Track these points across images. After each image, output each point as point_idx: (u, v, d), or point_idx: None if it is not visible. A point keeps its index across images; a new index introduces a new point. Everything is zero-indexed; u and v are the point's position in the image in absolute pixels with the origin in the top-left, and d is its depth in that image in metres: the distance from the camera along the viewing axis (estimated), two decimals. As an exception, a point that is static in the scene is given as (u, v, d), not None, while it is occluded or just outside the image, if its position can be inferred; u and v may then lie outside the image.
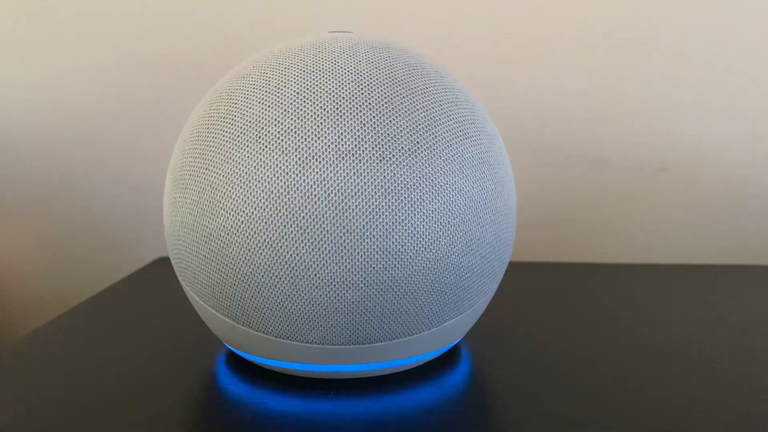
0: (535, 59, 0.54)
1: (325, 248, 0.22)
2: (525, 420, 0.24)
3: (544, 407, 0.24)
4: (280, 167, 0.22)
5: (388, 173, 0.22)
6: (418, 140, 0.23)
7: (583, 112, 0.55)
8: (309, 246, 0.22)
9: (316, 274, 0.22)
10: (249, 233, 0.23)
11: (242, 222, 0.23)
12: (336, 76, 0.24)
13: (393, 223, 0.22)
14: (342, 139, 0.22)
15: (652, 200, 0.56)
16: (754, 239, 0.57)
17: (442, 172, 0.23)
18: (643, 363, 0.29)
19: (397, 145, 0.23)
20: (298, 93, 0.23)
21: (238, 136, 0.23)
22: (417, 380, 0.27)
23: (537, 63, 0.54)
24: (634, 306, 0.38)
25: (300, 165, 0.22)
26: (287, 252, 0.22)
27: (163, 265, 0.46)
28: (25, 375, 0.27)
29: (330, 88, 0.23)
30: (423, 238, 0.23)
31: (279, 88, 0.24)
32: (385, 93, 0.24)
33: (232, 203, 0.23)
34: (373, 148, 0.22)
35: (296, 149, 0.22)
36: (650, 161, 0.56)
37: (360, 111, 0.23)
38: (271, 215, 0.22)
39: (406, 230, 0.23)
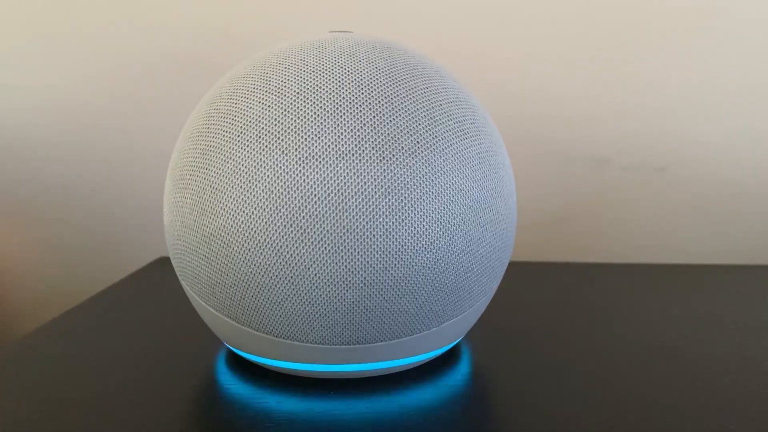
0: (535, 59, 0.54)
1: (325, 248, 0.22)
2: (525, 420, 0.24)
3: (543, 407, 0.24)
4: (280, 167, 0.22)
5: (388, 173, 0.22)
6: (418, 140, 0.23)
7: (583, 112, 0.55)
8: (309, 246, 0.22)
9: (316, 274, 0.22)
10: (249, 233, 0.23)
11: (242, 222, 0.23)
12: (336, 75, 0.24)
13: (393, 223, 0.22)
14: (342, 138, 0.22)
15: (652, 200, 0.56)
16: (754, 239, 0.57)
17: (442, 172, 0.23)
18: (642, 363, 0.29)
19: (397, 144, 0.23)
20: (298, 93, 0.23)
21: (238, 135, 0.23)
22: (417, 380, 0.27)
23: (537, 63, 0.54)
24: (634, 306, 0.38)
25: (300, 165, 0.22)
26: (287, 252, 0.22)
27: (163, 265, 0.46)
28: (25, 375, 0.27)
29: (330, 88, 0.23)
30: (423, 238, 0.23)
31: (279, 87, 0.24)
32: (385, 93, 0.24)
33: (232, 203, 0.23)
34: (373, 147, 0.22)
35: (296, 149, 0.22)
36: (650, 161, 0.56)
37: (360, 111, 0.23)
38: (271, 215, 0.22)
39: (406, 230, 0.23)
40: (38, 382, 0.27)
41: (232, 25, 0.54)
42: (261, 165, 0.23)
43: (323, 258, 0.22)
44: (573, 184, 0.56)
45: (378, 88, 0.24)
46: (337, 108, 0.23)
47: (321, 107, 0.23)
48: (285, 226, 0.22)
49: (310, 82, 0.24)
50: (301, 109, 0.23)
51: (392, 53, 0.26)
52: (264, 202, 0.22)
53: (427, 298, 0.24)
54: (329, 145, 0.22)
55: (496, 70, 0.54)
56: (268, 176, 0.22)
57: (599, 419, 0.24)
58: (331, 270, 0.22)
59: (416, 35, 0.53)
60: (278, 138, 0.23)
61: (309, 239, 0.22)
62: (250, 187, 0.23)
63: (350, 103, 0.23)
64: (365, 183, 0.22)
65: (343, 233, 0.22)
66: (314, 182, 0.22)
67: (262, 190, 0.22)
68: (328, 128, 0.23)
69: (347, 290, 0.23)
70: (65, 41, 0.55)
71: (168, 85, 0.55)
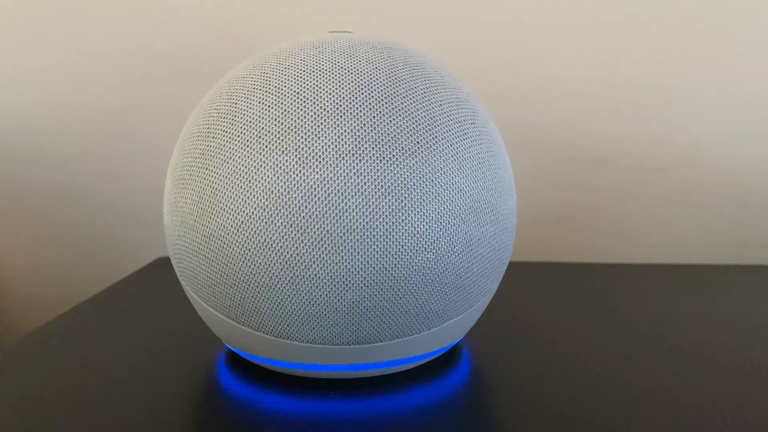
0: (535, 59, 0.54)
1: (325, 248, 0.22)
2: (525, 420, 0.24)
3: (544, 407, 0.24)
4: (280, 167, 0.22)
5: (388, 173, 0.22)
6: (418, 140, 0.23)
7: (583, 112, 0.55)
8: (309, 246, 0.22)
9: (316, 274, 0.22)
10: (249, 233, 0.23)
11: (242, 222, 0.23)
12: (336, 76, 0.24)
13: (393, 222, 0.22)
14: (342, 138, 0.22)
15: (652, 200, 0.56)
16: (755, 239, 0.57)
17: (442, 172, 0.23)
18: (642, 363, 0.29)
19: (397, 145, 0.23)
20: (298, 93, 0.23)
21: (238, 135, 0.23)
22: (417, 380, 0.27)
23: (537, 63, 0.54)
24: (634, 306, 0.38)
25: (300, 165, 0.22)
26: (287, 252, 0.22)
27: (163, 265, 0.46)
28: (25, 375, 0.27)
29: (330, 88, 0.23)
30: (423, 238, 0.23)
31: (279, 88, 0.24)
32: (385, 93, 0.24)
33: (232, 203, 0.23)
34: (373, 148, 0.22)
35: (296, 149, 0.22)
36: (650, 161, 0.56)
37: (360, 111, 0.23)
38: (271, 215, 0.22)
39: (406, 230, 0.23)
40: (38, 382, 0.27)
41: (232, 25, 0.54)
42: (261, 165, 0.23)
43: (323, 258, 0.22)
44: (573, 184, 0.56)
45: (378, 88, 0.24)
46: (337, 108, 0.23)
47: (321, 107, 0.23)
48: (285, 226, 0.22)
49: (310, 82, 0.24)
50: (301, 109, 0.23)
51: (392, 53, 0.26)
52: (264, 202, 0.22)
53: (427, 298, 0.24)
54: (329, 145, 0.22)
55: (496, 71, 0.54)
56: (268, 176, 0.22)
57: (599, 419, 0.24)
58: (331, 270, 0.22)
59: (416, 35, 0.53)
60: (278, 138, 0.23)
61: (309, 239, 0.22)
62: (250, 188, 0.23)
63: (350, 103, 0.23)
64: (365, 183, 0.22)
65: (343, 233, 0.22)
66: (314, 182, 0.22)
67: (262, 190, 0.22)
68: (328, 128, 0.23)
69: (347, 290, 0.23)
70: (65, 41, 0.55)
71: (168, 85, 0.55)
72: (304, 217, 0.22)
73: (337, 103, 0.23)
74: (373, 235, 0.22)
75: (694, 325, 0.35)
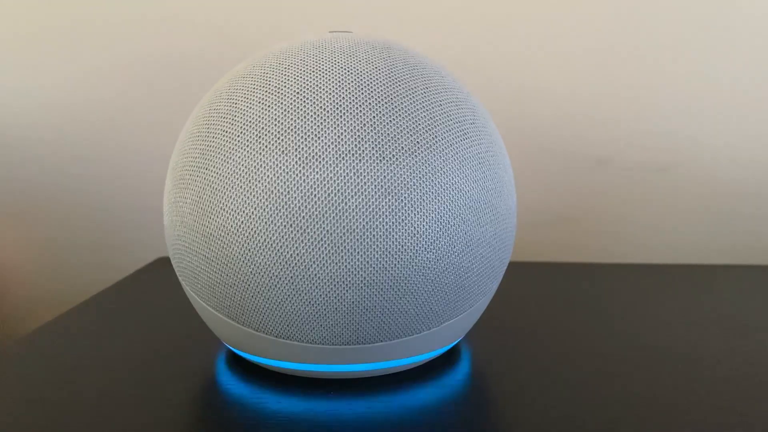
0: (535, 59, 0.54)
1: (325, 248, 0.22)
2: (525, 420, 0.24)
3: (544, 407, 0.24)
4: (280, 167, 0.22)
5: (388, 173, 0.22)
6: (418, 140, 0.23)
7: (583, 112, 0.55)
8: (309, 246, 0.22)
9: (316, 274, 0.22)
10: (249, 233, 0.23)
11: (242, 222, 0.23)
12: (336, 75, 0.24)
13: (393, 222, 0.22)
14: (342, 138, 0.22)
15: (652, 200, 0.56)
16: (754, 239, 0.57)
17: (442, 172, 0.23)
18: (642, 363, 0.29)
19: (397, 144, 0.23)
20: (298, 93, 0.23)
21: (238, 135, 0.23)
22: (417, 380, 0.27)
23: (537, 63, 0.54)
24: (634, 306, 0.38)
25: (300, 165, 0.22)
26: (287, 252, 0.22)
27: (163, 265, 0.46)
28: (25, 375, 0.27)
29: (330, 88, 0.23)
30: (423, 238, 0.23)
31: (279, 87, 0.24)
32: (385, 93, 0.24)
33: (232, 203, 0.23)
34: (373, 147, 0.22)
35: (296, 149, 0.22)
36: (651, 161, 0.56)
37: (360, 111, 0.23)
38: (271, 215, 0.22)
39: (406, 230, 0.23)
40: (38, 382, 0.27)
41: (232, 25, 0.54)
42: (261, 165, 0.23)
43: (323, 258, 0.22)
44: (574, 184, 0.56)
45: (378, 88, 0.24)
46: (337, 108, 0.23)
47: (321, 107, 0.23)
48: (285, 226, 0.22)
49: (310, 82, 0.24)
50: (301, 109, 0.23)
51: (392, 53, 0.26)
52: (264, 202, 0.22)
53: (427, 298, 0.24)
54: (329, 145, 0.22)
55: (497, 70, 0.54)
56: (268, 176, 0.22)
57: (599, 419, 0.24)
58: (331, 270, 0.22)
59: (416, 35, 0.53)
60: (278, 138, 0.23)
61: (309, 239, 0.22)
62: (250, 187, 0.23)
63: (350, 103, 0.23)
64: (365, 183, 0.22)
65: (343, 233, 0.22)
66: (314, 182, 0.22)
67: (262, 190, 0.22)
68: (328, 128, 0.23)
69: (347, 290, 0.23)
70: (65, 41, 0.55)
71: (168, 85, 0.55)
72: (304, 217, 0.22)
73: (337, 103, 0.23)
74: (373, 235, 0.22)
75: (694, 326, 0.35)
